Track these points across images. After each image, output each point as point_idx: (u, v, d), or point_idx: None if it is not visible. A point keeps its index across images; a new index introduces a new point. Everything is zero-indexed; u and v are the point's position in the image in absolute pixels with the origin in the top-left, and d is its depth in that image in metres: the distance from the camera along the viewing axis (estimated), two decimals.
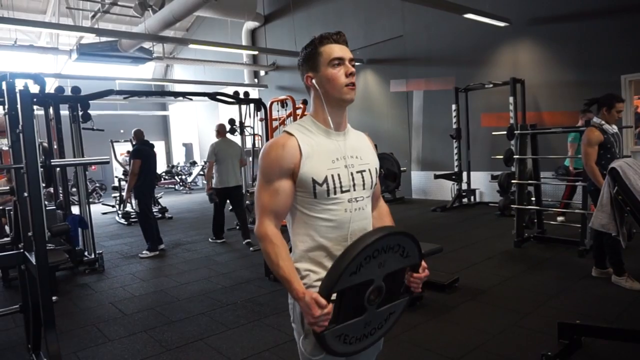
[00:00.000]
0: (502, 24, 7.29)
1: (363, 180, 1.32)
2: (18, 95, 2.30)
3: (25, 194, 2.30)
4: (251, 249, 5.37)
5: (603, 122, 3.65)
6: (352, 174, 1.30)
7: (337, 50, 1.27)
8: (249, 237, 5.75)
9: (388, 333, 1.35)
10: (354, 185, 1.30)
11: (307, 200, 1.27)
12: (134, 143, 5.94)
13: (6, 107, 2.46)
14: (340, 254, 1.15)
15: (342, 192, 1.27)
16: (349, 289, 1.15)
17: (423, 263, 1.32)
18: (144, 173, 5.57)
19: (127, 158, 11.31)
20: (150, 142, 5.99)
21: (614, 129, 3.66)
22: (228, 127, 6.31)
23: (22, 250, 2.60)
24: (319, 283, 1.20)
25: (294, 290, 1.18)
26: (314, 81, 1.29)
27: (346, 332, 1.20)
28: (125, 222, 8.32)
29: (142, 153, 5.61)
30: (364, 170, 1.33)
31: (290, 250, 1.32)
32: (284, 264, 1.21)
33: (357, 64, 8.72)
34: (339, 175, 1.27)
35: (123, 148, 11.99)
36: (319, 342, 1.18)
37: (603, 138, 3.58)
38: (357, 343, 1.25)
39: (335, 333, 1.18)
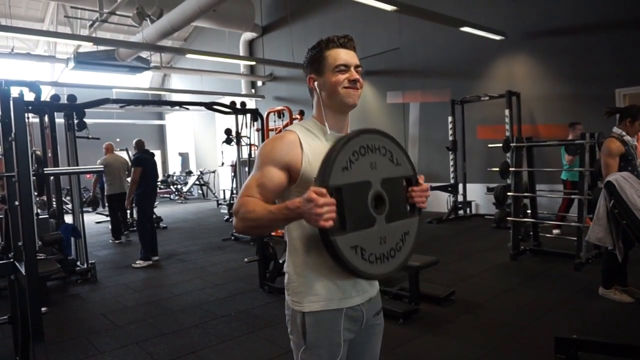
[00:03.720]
0: (497, 37, 7.37)
1: None
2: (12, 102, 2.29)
3: (16, 203, 2.27)
4: (246, 259, 5.33)
5: (624, 133, 3.50)
6: None
7: (343, 55, 1.24)
8: (120, 238, 7.23)
9: (410, 257, 1.28)
10: None
11: None
12: (134, 152, 6.02)
13: None
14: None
15: None
16: (346, 187, 1.10)
17: (420, 176, 1.30)
18: (144, 181, 5.64)
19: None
20: (151, 151, 6.07)
21: (633, 140, 3.53)
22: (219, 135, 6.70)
23: (12, 260, 2.55)
24: (317, 290, 1.21)
25: (291, 205, 1.06)
26: (316, 84, 1.28)
27: (361, 245, 1.13)
28: None
29: (143, 161, 5.69)
30: None
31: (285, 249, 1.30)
32: (271, 206, 1.14)
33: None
34: None
35: None
36: (332, 252, 1.09)
37: (624, 149, 3.43)
38: (378, 263, 1.17)
39: (348, 242, 1.10)
